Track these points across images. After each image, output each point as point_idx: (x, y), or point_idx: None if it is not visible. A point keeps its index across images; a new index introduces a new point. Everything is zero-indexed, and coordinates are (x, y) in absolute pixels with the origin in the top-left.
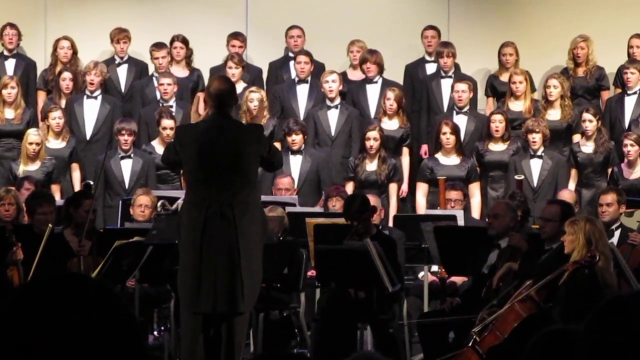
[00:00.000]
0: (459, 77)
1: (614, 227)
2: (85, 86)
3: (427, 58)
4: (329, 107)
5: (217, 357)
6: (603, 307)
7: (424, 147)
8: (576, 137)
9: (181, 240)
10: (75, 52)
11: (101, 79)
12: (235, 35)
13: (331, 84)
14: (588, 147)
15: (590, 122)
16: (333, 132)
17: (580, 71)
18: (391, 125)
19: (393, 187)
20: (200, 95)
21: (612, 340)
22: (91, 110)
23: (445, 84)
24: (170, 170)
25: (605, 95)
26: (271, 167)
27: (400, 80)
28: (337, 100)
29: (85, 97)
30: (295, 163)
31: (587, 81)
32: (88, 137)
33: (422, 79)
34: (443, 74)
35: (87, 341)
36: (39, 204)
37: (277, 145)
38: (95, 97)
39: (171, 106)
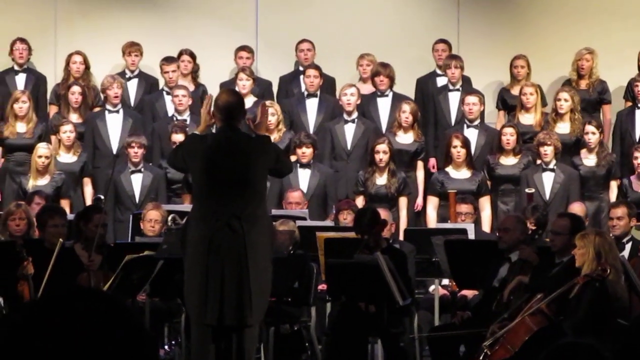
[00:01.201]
0: (467, 90)
1: (624, 240)
2: (102, 100)
3: (438, 72)
4: (346, 121)
5: None
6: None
7: (432, 161)
8: (584, 151)
9: (188, 253)
10: (87, 67)
11: (121, 91)
12: (243, 48)
13: (349, 97)
14: (590, 160)
15: (593, 135)
16: (349, 146)
17: (583, 84)
18: (406, 139)
19: (403, 200)
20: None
21: None
22: (115, 125)
23: (453, 97)
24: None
25: (607, 109)
26: (280, 175)
27: (408, 93)
28: (354, 115)
29: (107, 112)
30: (304, 177)
31: (590, 94)
32: (115, 151)
33: (431, 92)
34: (451, 87)
35: (100, 356)
36: (50, 217)
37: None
38: (117, 111)
39: (185, 120)
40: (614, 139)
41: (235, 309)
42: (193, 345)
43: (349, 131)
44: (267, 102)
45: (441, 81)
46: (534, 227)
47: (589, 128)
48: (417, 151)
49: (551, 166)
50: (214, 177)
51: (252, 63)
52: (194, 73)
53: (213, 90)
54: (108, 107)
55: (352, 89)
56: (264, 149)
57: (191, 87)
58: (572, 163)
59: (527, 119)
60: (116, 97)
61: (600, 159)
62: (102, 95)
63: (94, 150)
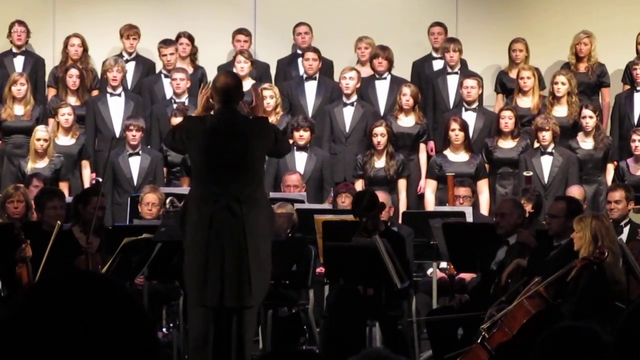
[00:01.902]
0: (466, 73)
1: (622, 223)
2: (99, 84)
3: (434, 55)
4: (345, 104)
5: (226, 352)
6: (545, 338)
7: (431, 144)
8: (581, 134)
9: (187, 234)
10: (85, 50)
11: (122, 75)
12: (240, 31)
13: (349, 81)
14: (587, 144)
15: (590, 119)
16: (348, 129)
17: (582, 67)
18: (407, 121)
19: (402, 182)
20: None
21: None
22: (117, 108)
23: (452, 80)
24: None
25: (606, 92)
26: (279, 156)
27: (406, 76)
28: (354, 97)
29: (108, 95)
30: (301, 160)
31: (589, 77)
32: (117, 134)
33: (429, 75)
34: (449, 70)
35: (100, 338)
36: (49, 198)
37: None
38: (119, 95)
39: (183, 102)
40: (612, 122)
41: (236, 291)
42: (192, 327)
43: (348, 114)
44: (266, 85)
45: (437, 64)
46: (531, 211)
47: (586, 112)
48: (419, 133)
49: (549, 150)
50: (212, 158)
51: (249, 46)
52: (193, 55)
53: (211, 73)
54: (109, 90)
55: (351, 73)
56: (262, 131)
57: (190, 70)
58: (569, 146)
59: (525, 102)
60: (114, 80)
61: (598, 142)
62: (99, 77)
63: (95, 134)
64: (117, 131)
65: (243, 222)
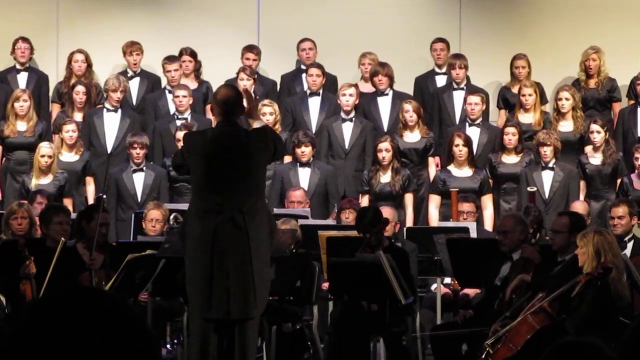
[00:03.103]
0: (471, 89)
1: (626, 239)
2: (103, 100)
3: (437, 70)
4: (344, 120)
5: None
6: (549, 354)
7: (436, 159)
8: (588, 149)
9: (189, 248)
10: (89, 65)
11: (124, 95)
12: (250, 48)
13: (348, 98)
14: (596, 159)
15: (598, 134)
16: (347, 145)
17: (592, 82)
18: (413, 137)
19: (409, 197)
20: None
21: None
22: (112, 124)
23: (457, 96)
24: (180, 175)
25: (617, 106)
26: (277, 160)
27: (409, 91)
28: (353, 113)
29: (105, 110)
30: (304, 176)
31: (599, 92)
32: (109, 150)
33: (433, 91)
34: (455, 86)
35: (103, 355)
36: (56, 214)
37: (287, 158)
38: (115, 111)
39: (186, 118)
40: (616, 137)
41: (242, 303)
42: (194, 340)
43: (347, 130)
44: (266, 101)
45: (440, 80)
46: (533, 228)
47: (594, 127)
48: (426, 147)
49: (551, 165)
50: (214, 171)
51: (258, 64)
52: (197, 71)
53: (214, 89)
54: (107, 106)
55: (350, 90)
56: (263, 142)
57: (194, 85)
58: (578, 162)
59: (527, 118)
60: (117, 100)
61: (606, 158)
62: (104, 94)
63: (89, 148)
64: (110, 147)
65: (247, 233)
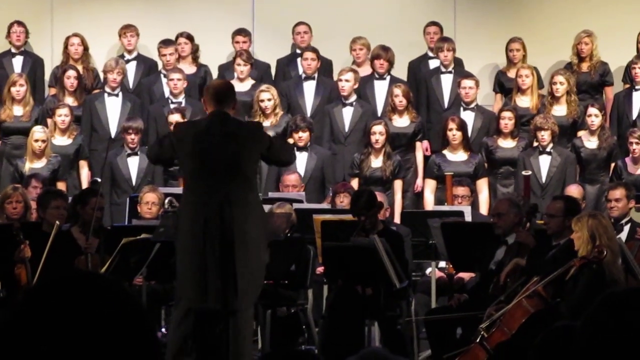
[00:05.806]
0: (460, 73)
1: (623, 222)
2: (101, 84)
3: (430, 54)
4: (344, 104)
5: (225, 355)
6: (599, 304)
7: (425, 143)
8: (581, 133)
9: (180, 238)
10: (86, 49)
11: (122, 77)
12: (240, 32)
13: (344, 83)
14: (592, 143)
15: (596, 117)
16: (347, 129)
17: (584, 67)
18: (402, 122)
19: (398, 183)
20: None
21: (609, 337)
22: (113, 108)
23: (446, 79)
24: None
25: (609, 91)
26: (280, 163)
27: (403, 76)
28: (353, 98)
29: (106, 94)
30: (301, 160)
31: (591, 77)
32: (113, 135)
33: (423, 75)
34: (443, 70)
35: (100, 338)
36: (53, 198)
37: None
38: (117, 95)
39: (180, 102)
40: (611, 121)
41: (220, 294)
42: (172, 331)
43: (347, 114)
44: (263, 87)
45: (433, 64)
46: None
47: (592, 110)
48: (415, 132)
49: (548, 149)
50: (203, 162)
51: (249, 46)
52: (194, 54)
53: (212, 73)
54: (107, 90)
55: (348, 74)
56: (255, 134)
57: (192, 69)
58: (573, 145)
59: (524, 101)
60: (114, 81)
61: (602, 142)
62: (101, 77)
63: (91, 133)
64: (113, 131)
65: (231, 224)
